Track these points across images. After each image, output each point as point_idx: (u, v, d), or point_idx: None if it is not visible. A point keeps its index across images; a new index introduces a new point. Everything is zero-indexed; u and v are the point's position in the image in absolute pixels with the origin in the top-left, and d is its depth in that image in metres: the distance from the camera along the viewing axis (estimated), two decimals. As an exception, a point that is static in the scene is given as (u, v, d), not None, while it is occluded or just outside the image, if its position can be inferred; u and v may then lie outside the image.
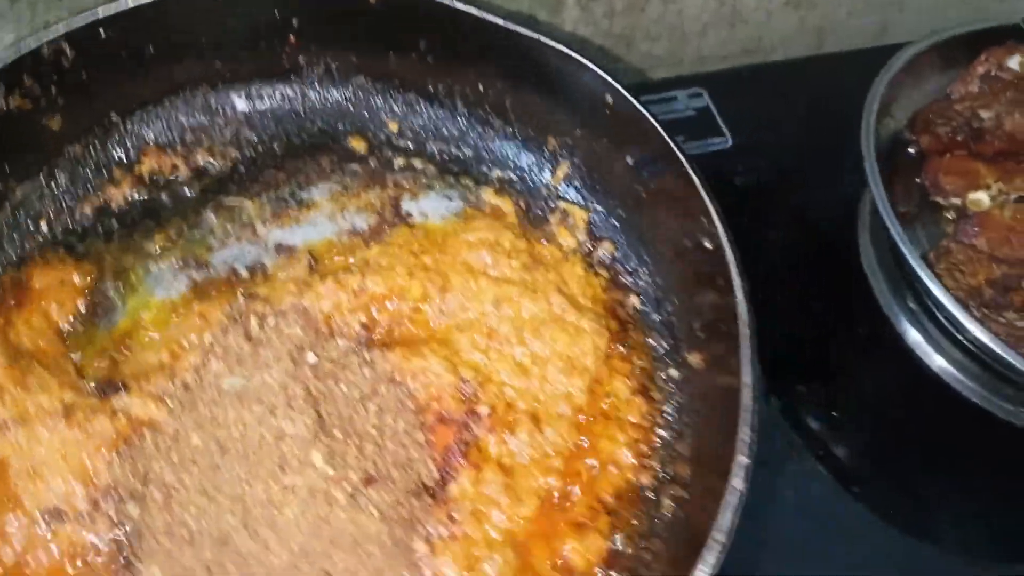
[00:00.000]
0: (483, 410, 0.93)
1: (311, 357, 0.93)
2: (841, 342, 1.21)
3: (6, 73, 0.95)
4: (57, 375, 0.92)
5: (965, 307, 0.98)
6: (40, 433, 0.86)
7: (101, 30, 1.00)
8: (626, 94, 0.97)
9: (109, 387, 0.92)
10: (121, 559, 0.83)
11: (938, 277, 1.01)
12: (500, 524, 0.86)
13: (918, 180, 1.17)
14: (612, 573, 0.84)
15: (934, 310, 1.07)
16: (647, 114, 0.95)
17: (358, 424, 0.89)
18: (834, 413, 1.14)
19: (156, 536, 0.83)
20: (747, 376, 0.77)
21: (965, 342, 1.04)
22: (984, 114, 1.14)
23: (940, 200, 1.15)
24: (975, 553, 1.02)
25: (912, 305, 1.14)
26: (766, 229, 1.30)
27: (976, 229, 1.09)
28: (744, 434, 0.73)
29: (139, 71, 1.08)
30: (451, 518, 0.86)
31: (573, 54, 1.00)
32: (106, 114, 1.09)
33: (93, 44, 1.00)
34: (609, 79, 0.98)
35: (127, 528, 0.84)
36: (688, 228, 0.94)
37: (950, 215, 1.14)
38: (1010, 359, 0.93)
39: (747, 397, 0.76)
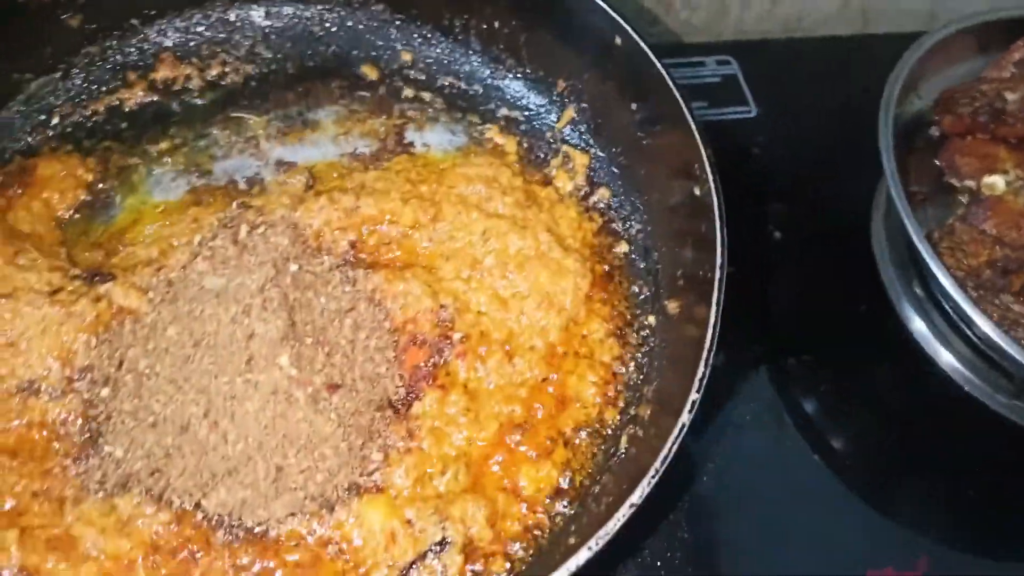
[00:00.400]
0: (457, 336, 0.93)
1: (293, 267, 0.94)
2: (841, 321, 1.19)
3: (28, -38, 0.98)
4: (49, 258, 0.94)
5: (962, 287, 0.95)
6: (24, 309, 0.88)
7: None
8: (635, 36, 0.96)
9: (97, 276, 0.94)
10: (87, 436, 0.85)
11: (939, 255, 0.99)
12: (457, 444, 0.86)
13: (936, 162, 1.14)
14: (560, 502, 0.83)
15: (935, 293, 1.04)
16: (653, 57, 0.94)
17: (331, 335, 0.90)
18: (822, 389, 1.12)
19: (123, 418, 0.85)
20: (713, 318, 0.76)
21: (960, 324, 1.01)
22: (1009, 96, 1.11)
23: (954, 182, 1.12)
24: (939, 535, 1.00)
25: (917, 291, 1.11)
26: (778, 201, 1.28)
27: (987, 213, 1.06)
28: (700, 372, 0.72)
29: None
30: (411, 433, 0.87)
31: (586, -6, 0.99)
32: (126, 19, 1.11)
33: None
34: (619, 19, 0.97)
35: (97, 408, 0.87)
36: (682, 178, 0.93)
37: (963, 198, 1.11)
38: (998, 340, 0.91)
39: (709, 338, 0.75)
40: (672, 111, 0.92)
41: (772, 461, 1.05)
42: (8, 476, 0.81)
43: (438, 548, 0.79)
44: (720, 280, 0.78)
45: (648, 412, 0.86)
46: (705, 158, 0.86)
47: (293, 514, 0.80)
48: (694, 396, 0.71)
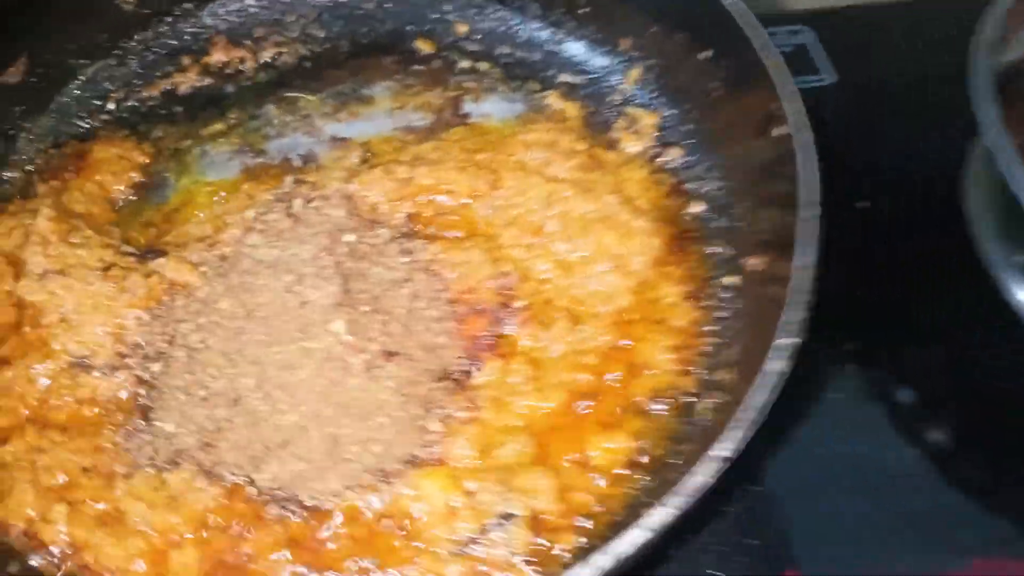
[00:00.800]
0: (519, 304, 0.88)
1: (349, 237, 0.90)
2: (934, 297, 1.08)
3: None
4: (102, 237, 0.92)
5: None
6: (76, 285, 0.86)
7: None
8: (699, -25, 0.89)
9: (149, 253, 0.92)
10: (138, 411, 0.82)
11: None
12: (521, 413, 0.80)
13: None
14: (635, 473, 0.76)
15: None
16: (719, -4, 0.87)
17: (387, 304, 0.85)
18: (915, 372, 1.01)
19: (175, 393, 0.82)
20: (803, 258, 0.68)
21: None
22: (1123, 28, 0.99)
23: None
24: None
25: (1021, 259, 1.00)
26: (856, 171, 1.18)
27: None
28: (792, 315, 0.64)
29: (215, -41, 1.09)
30: (471, 403, 0.81)
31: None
32: (180, 3, 1.11)
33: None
34: (682, -38, 0.91)
35: (148, 383, 0.84)
36: (761, 124, 0.85)
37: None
38: None
39: (801, 279, 0.67)
40: (743, 52, 0.85)
41: (862, 450, 0.94)
42: (59, 452, 0.78)
43: (502, 522, 0.72)
44: (810, 220, 0.69)
45: (732, 377, 0.78)
46: (783, 94, 0.78)
47: (349, 487, 0.75)
48: (789, 342, 0.63)
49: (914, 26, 1.35)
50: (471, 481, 0.75)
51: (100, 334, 0.85)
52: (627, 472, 0.76)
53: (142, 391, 0.83)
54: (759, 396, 0.61)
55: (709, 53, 0.94)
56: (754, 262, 0.85)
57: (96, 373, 0.84)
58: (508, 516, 0.72)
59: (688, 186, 0.97)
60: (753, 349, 0.78)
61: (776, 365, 0.63)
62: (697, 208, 0.95)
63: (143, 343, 0.86)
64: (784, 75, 0.81)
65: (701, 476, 0.58)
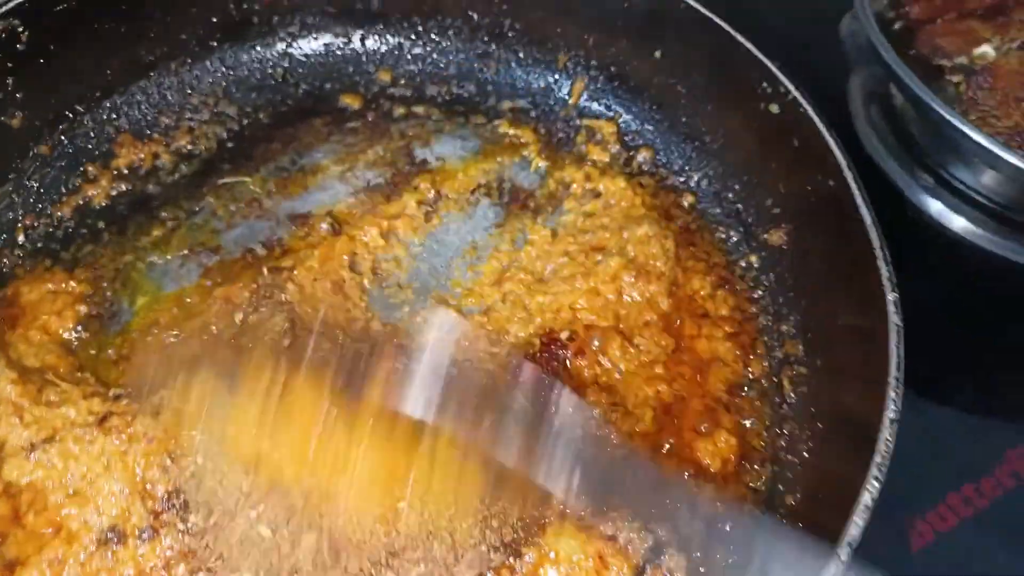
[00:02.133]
0: (563, 335, 0.85)
1: (364, 314, 0.83)
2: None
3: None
4: (79, 386, 0.79)
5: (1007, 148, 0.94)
6: (74, 449, 0.73)
7: (56, 5, 0.89)
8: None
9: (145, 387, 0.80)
10: (203, 571, 0.71)
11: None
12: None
13: (911, 52, 1.14)
14: (751, 465, 0.76)
15: (947, 175, 1.02)
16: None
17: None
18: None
19: (236, 538, 0.71)
20: (867, 214, 0.71)
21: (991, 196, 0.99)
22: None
23: (944, 62, 1.12)
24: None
25: (925, 179, 1.08)
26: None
27: (989, 80, 1.07)
28: (883, 270, 0.66)
29: (101, 53, 0.97)
30: (565, 448, 0.77)
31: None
32: (69, 106, 0.97)
33: (48, 21, 0.89)
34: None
35: (200, 536, 0.72)
36: (747, 103, 0.87)
37: (955, 78, 1.11)
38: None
39: (874, 234, 0.69)
40: (708, 37, 0.87)
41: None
42: (131, 649, 0.66)
43: (653, 555, 0.69)
44: (855, 176, 0.72)
45: (800, 349, 0.80)
46: (774, 69, 0.81)
47: (481, 574, 0.69)
48: (893, 296, 0.65)
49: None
50: (603, 524, 0.71)
51: (122, 496, 0.73)
52: (745, 468, 0.76)
53: (196, 547, 0.72)
54: (894, 354, 0.62)
55: (663, 48, 0.95)
56: (774, 237, 0.87)
57: (134, 543, 0.71)
58: (657, 549, 0.69)
59: (670, 182, 0.98)
60: (813, 315, 0.80)
61: (894, 320, 0.65)
62: (688, 200, 0.96)
63: (177, 491, 0.74)
64: (769, 52, 0.84)
65: (883, 444, 0.58)
